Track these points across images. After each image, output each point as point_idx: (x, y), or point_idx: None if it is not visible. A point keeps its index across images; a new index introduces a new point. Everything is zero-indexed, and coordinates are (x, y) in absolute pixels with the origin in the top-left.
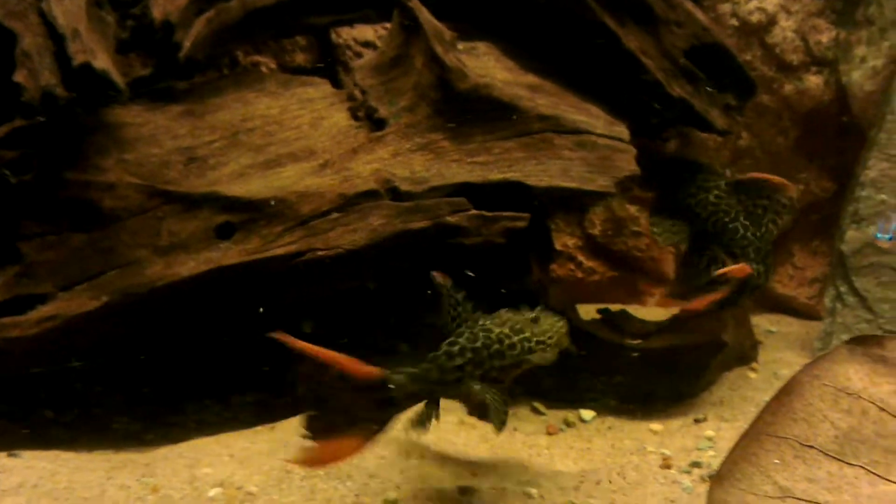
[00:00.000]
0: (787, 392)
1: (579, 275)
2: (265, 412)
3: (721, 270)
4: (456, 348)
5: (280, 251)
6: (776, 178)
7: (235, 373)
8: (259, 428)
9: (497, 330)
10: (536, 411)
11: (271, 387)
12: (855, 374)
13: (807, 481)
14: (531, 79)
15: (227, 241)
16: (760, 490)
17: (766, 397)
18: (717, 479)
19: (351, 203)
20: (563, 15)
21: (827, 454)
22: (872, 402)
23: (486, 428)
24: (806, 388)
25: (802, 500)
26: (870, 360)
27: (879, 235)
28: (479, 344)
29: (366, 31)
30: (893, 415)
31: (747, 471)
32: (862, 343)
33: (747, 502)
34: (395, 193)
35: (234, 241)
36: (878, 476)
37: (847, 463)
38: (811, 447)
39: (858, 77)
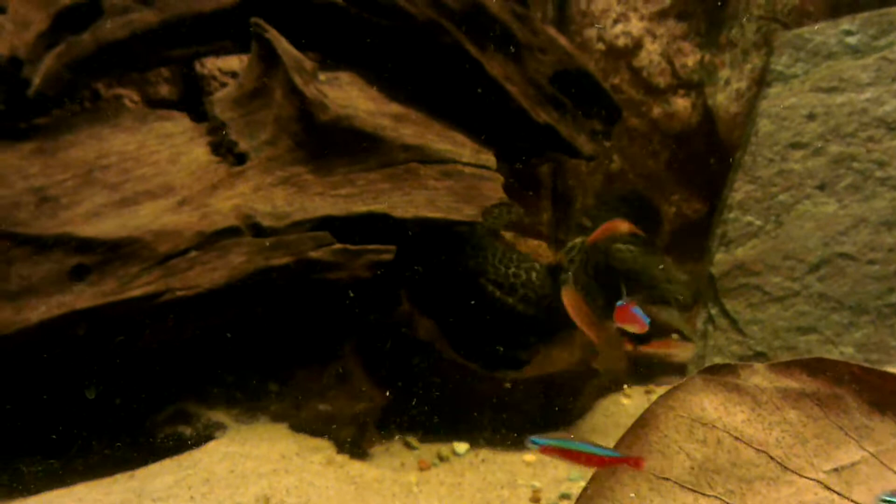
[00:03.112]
0: (643, 424)
1: None
2: (123, 460)
3: None
4: None
5: (137, 293)
6: None
7: (92, 420)
8: (118, 476)
9: None
10: (409, 446)
11: (130, 434)
12: (709, 404)
13: None
14: (396, 108)
15: (80, 283)
16: None
17: None
18: None
19: (210, 241)
20: (426, 42)
21: (682, 486)
22: (727, 432)
23: (353, 468)
24: (661, 420)
25: None
26: (724, 389)
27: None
28: None
29: (231, 61)
30: (747, 444)
31: None
32: (716, 372)
33: None
34: (257, 229)
35: (89, 284)
36: None
37: (702, 494)
38: (666, 479)
39: (723, 99)
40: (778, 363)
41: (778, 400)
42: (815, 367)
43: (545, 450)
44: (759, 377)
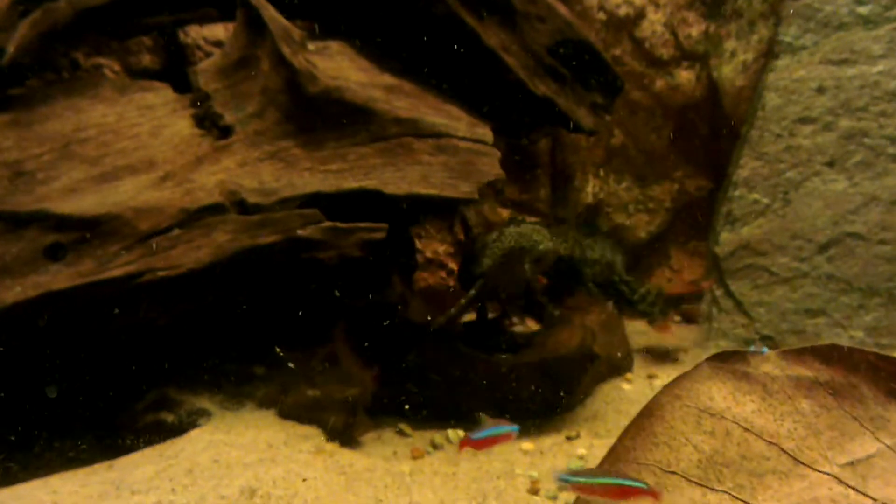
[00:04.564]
0: (648, 414)
1: (451, 283)
2: (102, 449)
3: None
4: None
5: (116, 273)
6: None
7: (69, 407)
8: (96, 466)
9: None
10: (402, 433)
11: (110, 421)
12: (718, 393)
13: None
14: (388, 79)
15: (57, 263)
16: None
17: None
18: None
19: (194, 218)
20: (420, 10)
21: (689, 480)
22: (736, 423)
23: (343, 457)
24: (667, 410)
25: None
26: (733, 378)
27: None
28: None
29: (216, 30)
30: (758, 435)
31: None
32: (725, 359)
33: None
34: (242, 206)
35: (66, 263)
36: (743, 501)
37: (711, 488)
38: (673, 473)
39: (729, 72)
40: (789, 350)
41: (790, 389)
42: (828, 354)
43: None
44: (769, 365)
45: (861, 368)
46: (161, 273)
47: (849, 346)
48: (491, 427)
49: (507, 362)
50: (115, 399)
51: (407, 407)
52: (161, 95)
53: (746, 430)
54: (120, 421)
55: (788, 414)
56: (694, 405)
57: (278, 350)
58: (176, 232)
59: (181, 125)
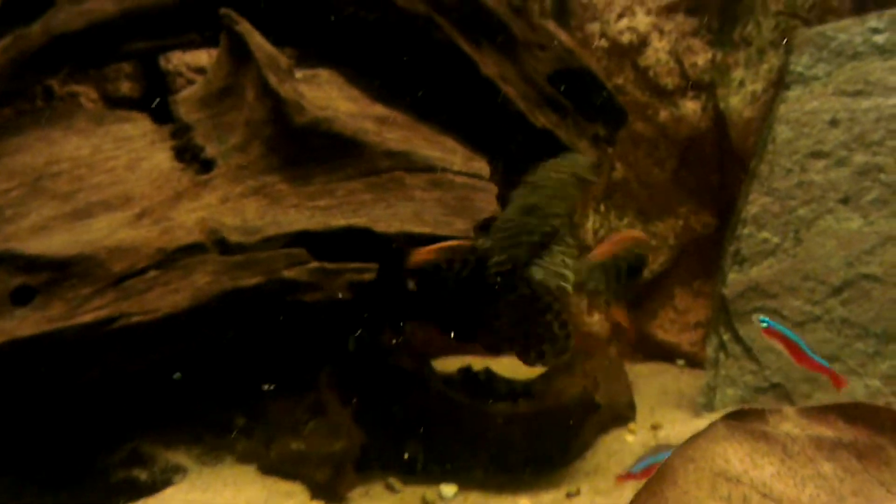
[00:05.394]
0: (659, 480)
1: None
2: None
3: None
4: None
5: (87, 318)
6: None
7: (34, 462)
8: None
9: None
10: (391, 488)
11: (79, 478)
12: (734, 455)
13: None
14: (379, 110)
15: (24, 307)
16: None
17: None
18: None
19: (172, 258)
20: (414, 38)
21: None
22: (754, 488)
23: None
24: (679, 475)
25: None
26: (750, 438)
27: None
28: None
29: (200, 56)
30: (777, 502)
31: None
32: (742, 417)
33: None
34: (224, 246)
35: (34, 308)
36: None
37: None
38: None
39: (737, 102)
40: (811, 407)
41: (811, 450)
42: (852, 412)
43: None
44: (789, 424)
45: (887, 428)
46: (136, 318)
47: (870, 401)
48: (651, 455)
49: (504, 412)
50: (85, 454)
51: (398, 460)
52: (139, 126)
53: (765, 495)
54: (91, 477)
55: (810, 478)
56: (708, 468)
57: (267, 387)
58: (152, 273)
59: (160, 158)
